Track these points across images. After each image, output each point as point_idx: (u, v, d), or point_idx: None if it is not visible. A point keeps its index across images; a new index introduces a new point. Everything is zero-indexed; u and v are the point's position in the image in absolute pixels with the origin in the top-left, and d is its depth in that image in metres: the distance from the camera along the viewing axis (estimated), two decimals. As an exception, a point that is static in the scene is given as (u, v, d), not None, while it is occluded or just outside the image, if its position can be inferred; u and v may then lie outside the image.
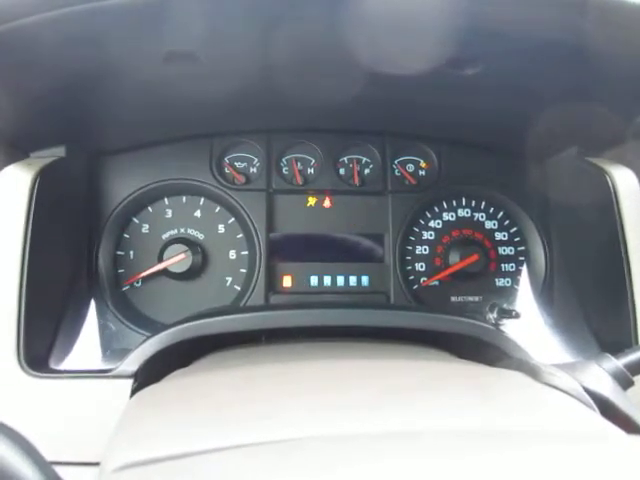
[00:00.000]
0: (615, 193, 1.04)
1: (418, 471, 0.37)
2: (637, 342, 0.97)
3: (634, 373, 0.73)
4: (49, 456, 0.41)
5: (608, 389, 0.68)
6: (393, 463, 0.38)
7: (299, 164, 1.31)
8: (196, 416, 0.53)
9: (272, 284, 1.26)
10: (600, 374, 0.71)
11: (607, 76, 0.89)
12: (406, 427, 0.49)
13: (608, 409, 0.65)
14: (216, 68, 0.95)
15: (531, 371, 0.68)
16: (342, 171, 1.32)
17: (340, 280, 1.28)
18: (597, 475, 0.36)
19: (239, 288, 1.26)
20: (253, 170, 1.30)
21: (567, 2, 0.72)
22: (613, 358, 0.73)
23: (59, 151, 1.06)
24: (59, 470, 0.40)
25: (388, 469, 0.37)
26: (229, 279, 1.26)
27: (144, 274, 1.22)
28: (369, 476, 0.37)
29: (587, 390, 0.65)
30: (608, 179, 1.05)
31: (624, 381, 0.72)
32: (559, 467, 0.37)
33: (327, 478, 0.37)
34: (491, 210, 1.34)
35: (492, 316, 1.06)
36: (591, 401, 0.63)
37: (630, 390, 0.72)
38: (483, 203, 1.35)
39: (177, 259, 1.21)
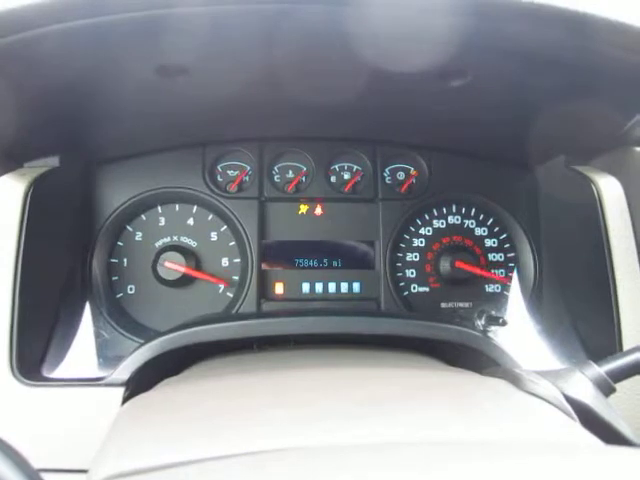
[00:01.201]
0: (600, 201, 1.05)
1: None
2: (621, 348, 0.99)
3: (616, 380, 0.74)
4: (40, 463, 0.42)
5: (589, 396, 0.69)
6: (372, 475, 0.39)
7: (291, 172, 1.33)
8: (182, 427, 0.54)
9: (264, 291, 1.27)
10: (582, 381, 0.71)
11: (599, 87, 0.90)
12: (387, 438, 0.50)
13: (589, 416, 0.66)
14: (210, 79, 0.96)
15: (514, 379, 0.69)
16: (333, 179, 1.34)
17: (331, 287, 1.30)
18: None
19: (231, 295, 1.27)
20: (245, 178, 1.32)
21: (572, 22, 0.73)
22: (595, 365, 0.74)
23: (53, 161, 1.07)
24: (50, 477, 0.41)
25: None
26: (221, 286, 1.28)
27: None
28: None
29: (568, 398, 0.66)
30: (593, 187, 1.06)
31: (606, 388, 0.73)
32: (530, 477, 0.38)
33: None
34: (481, 217, 1.36)
35: (480, 323, 1.07)
36: (570, 409, 0.64)
37: (613, 396, 0.73)
38: (473, 210, 1.36)
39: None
